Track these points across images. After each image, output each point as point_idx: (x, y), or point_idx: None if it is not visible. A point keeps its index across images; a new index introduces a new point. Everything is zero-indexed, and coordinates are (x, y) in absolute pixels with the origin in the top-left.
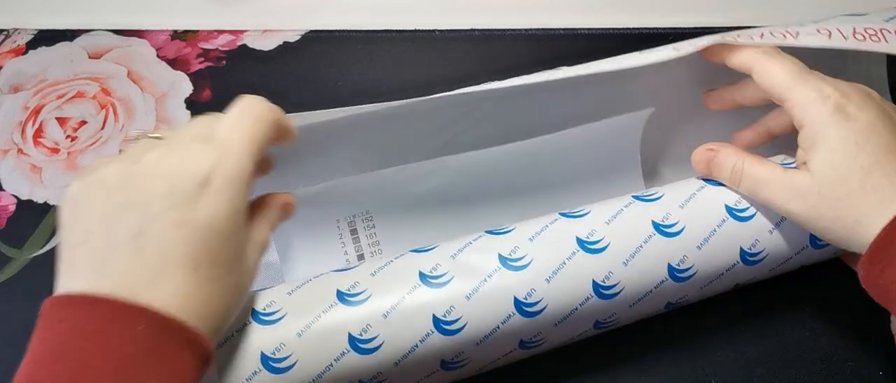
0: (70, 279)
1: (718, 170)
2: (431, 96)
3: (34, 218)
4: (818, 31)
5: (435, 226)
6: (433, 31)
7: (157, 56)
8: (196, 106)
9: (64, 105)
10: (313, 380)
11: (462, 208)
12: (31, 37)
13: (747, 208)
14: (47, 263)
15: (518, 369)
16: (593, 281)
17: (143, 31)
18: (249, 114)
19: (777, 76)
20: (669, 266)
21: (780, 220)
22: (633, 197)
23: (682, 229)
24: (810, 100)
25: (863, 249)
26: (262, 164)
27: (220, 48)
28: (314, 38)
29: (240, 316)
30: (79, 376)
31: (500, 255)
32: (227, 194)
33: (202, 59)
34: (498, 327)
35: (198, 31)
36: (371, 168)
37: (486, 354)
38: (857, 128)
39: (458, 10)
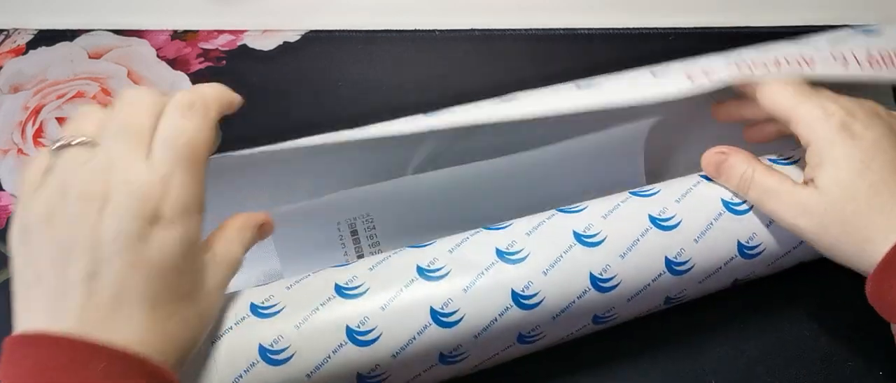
0: (28, 319)
1: (728, 175)
2: (409, 128)
3: None
4: (833, 56)
5: (436, 234)
6: (433, 31)
7: (157, 56)
8: None
9: (64, 105)
10: (311, 372)
11: (463, 219)
12: (31, 37)
13: (744, 202)
14: None
15: (517, 367)
16: (590, 273)
17: (143, 31)
18: (187, 125)
19: (780, 96)
20: (667, 259)
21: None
22: (631, 193)
23: (679, 223)
24: (815, 118)
25: (870, 268)
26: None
27: (220, 48)
28: (314, 38)
29: (238, 310)
30: None
31: (497, 249)
32: (180, 227)
33: (202, 59)
34: (495, 319)
35: (198, 31)
36: (363, 181)
37: (485, 348)
38: (863, 146)
39: (458, 10)
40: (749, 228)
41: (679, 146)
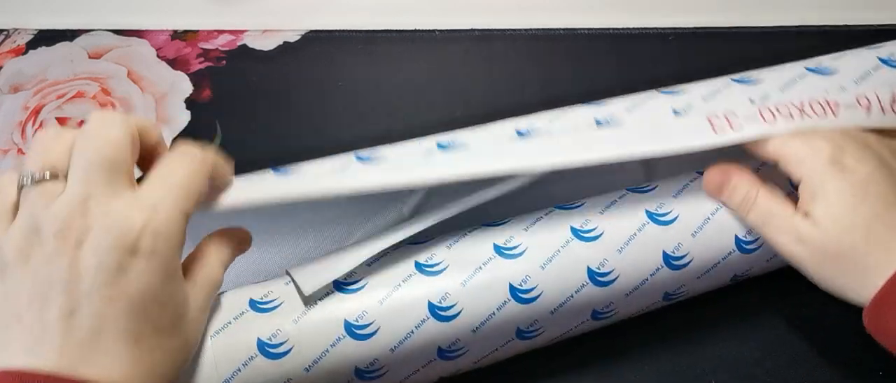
0: (9, 355)
1: (729, 195)
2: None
3: None
4: (858, 101)
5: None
6: (433, 31)
7: (157, 56)
8: (196, 106)
9: (64, 105)
10: (309, 366)
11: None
12: (31, 37)
13: None
14: None
15: (515, 364)
16: (588, 268)
17: (143, 31)
18: (183, 166)
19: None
20: (664, 253)
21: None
22: (628, 189)
23: (676, 217)
24: (804, 155)
25: (866, 300)
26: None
27: (220, 48)
28: (314, 38)
29: (237, 305)
30: None
31: (495, 245)
32: (160, 259)
33: (202, 59)
34: (493, 313)
35: (198, 31)
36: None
37: (484, 343)
38: (855, 180)
39: (458, 10)
40: (746, 223)
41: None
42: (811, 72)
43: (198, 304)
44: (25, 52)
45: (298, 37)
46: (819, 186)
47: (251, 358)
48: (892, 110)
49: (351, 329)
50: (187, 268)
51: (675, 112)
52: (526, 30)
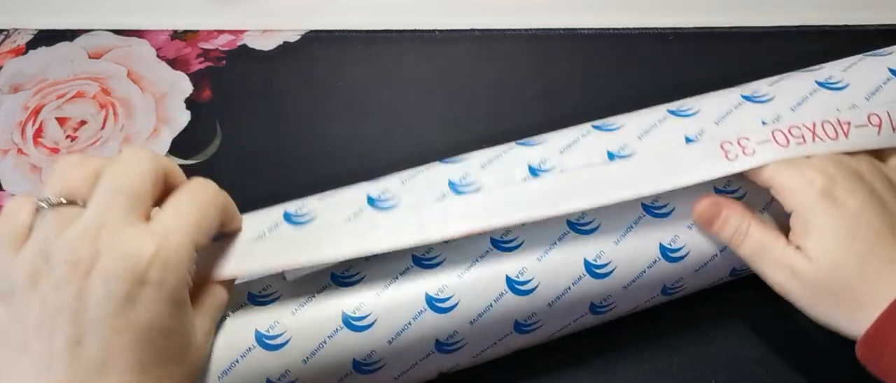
0: (15, 381)
1: (720, 228)
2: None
3: None
4: (870, 121)
5: None
6: (433, 31)
7: (157, 56)
8: (196, 106)
9: (64, 105)
10: (307, 358)
11: None
12: (31, 37)
13: (737, 188)
14: None
15: (513, 361)
16: (585, 259)
17: (143, 31)
18: (196, 199)
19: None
20: (661, 245)
21: (770, 201)
22: None
23: (673, 209)
24: (796, 187)
25: (859, 333)
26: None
27: (220, 48)
28: (314, 38)
29: (235, 298)
30: None
31: (492, 238)
32: (169, 289)
33: (202, 59)
34: (490, 305)
35: (198, 31)
36: None
37: (481, 336)
38: (847, 214)
39: (458, 10)
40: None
41: None
42: (822, 86)
43: (204, 330)
44: (25, 52)
45: (298, 37)
46: (811, 220)
47: (249, 350)
48: None
49: (348, 320)
50: (194, 293)
51: (688, 139)
52: (526, 30)
